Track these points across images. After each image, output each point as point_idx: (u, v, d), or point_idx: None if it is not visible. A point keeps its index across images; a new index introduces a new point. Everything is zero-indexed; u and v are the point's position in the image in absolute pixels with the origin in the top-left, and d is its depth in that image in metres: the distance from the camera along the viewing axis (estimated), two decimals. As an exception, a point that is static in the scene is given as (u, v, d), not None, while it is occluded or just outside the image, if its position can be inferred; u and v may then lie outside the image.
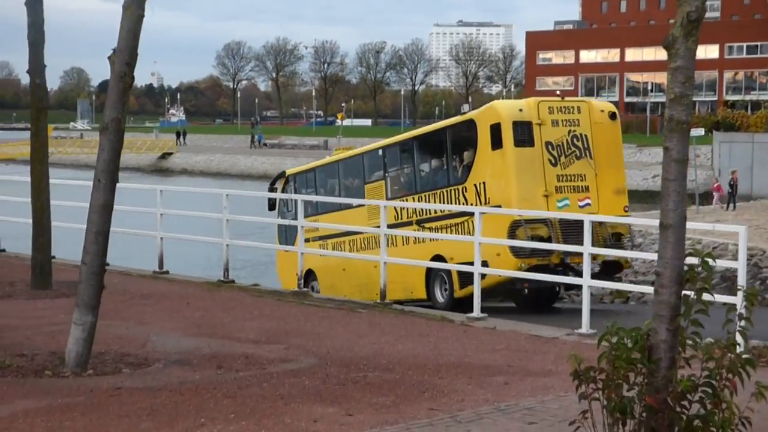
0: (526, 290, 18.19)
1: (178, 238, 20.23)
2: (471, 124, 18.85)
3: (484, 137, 18.32)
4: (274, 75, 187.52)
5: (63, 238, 29.40)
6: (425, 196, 19.56)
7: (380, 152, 21.61)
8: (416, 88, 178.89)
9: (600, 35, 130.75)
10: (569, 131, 18.33)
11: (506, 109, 18.40)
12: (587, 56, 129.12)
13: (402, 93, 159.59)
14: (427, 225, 19.13)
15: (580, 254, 14.54)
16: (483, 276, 15.65)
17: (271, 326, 13.97)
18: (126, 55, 11.05)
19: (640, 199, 61.36)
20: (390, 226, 18.12)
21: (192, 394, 9.96)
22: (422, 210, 19.22)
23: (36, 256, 17.19)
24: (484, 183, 18.19)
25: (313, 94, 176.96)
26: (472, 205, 18.08)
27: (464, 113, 20.74)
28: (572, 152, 18.27)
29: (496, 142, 18.06)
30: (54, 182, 21.88)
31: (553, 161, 18.08)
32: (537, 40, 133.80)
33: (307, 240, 20.93)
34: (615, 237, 18.02)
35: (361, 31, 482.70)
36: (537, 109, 18.24)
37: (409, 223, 19.45)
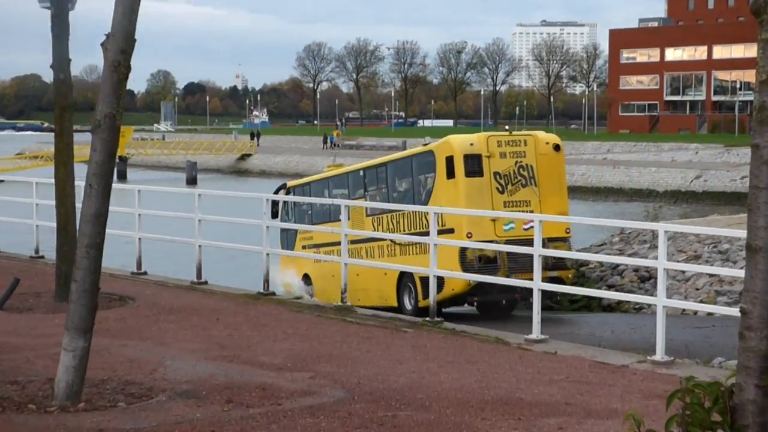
0: (475, 304, 20.77)
1: (215, 246, 18.75)
2: (430, 155, 20.95)
3: (441, 167, 20.43)
4: (354, 76, 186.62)
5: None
6: (396, 215, 21.46)
7: (361, 173, 23.71)
8: (497, 88, 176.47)
9: (686, 33, 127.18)
10: (516, 162, 20.34)
11: (459, 144, 20.40)
12: (673, 54, 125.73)
13: (482, 93, 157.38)
14: (398, 242, 20.99)
15: (524, 271, 16.92)
16: (440, 290, 16.72)
17: (302, 349, 12.41)
18: (121, 41, 9.56)
19: (727, 201, 58.75)
20: (369, 240, 21.33)
21: (183, 439, 8.44)
22: (394, 227, 21.47)
23: (60, 266, 15.89)
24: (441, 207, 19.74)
25: (392, 95, 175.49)
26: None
27: (426, 145, 22.78)
28: (518, 181, 20.31)
29: (450, 173, 20.17)
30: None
31: (500, 189, 20.14)
32: (621, 39, 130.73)
33: (303, 247, 24.44)
34: (558, 258, 19.40)
35: (445, 32, 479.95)
36: (486, 143, 20.30)
37: (383, 239, 21.49)
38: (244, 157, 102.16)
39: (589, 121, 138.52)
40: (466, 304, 20.84)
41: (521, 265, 18.76)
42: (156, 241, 19.96)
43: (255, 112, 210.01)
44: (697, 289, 24.46)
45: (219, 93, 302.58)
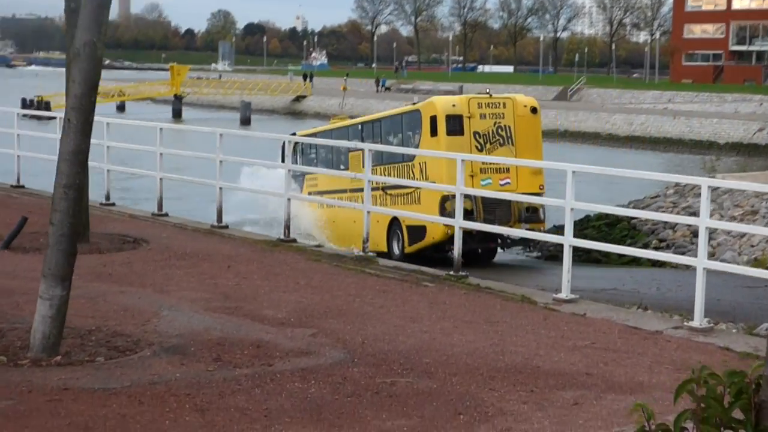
0: (450, 252, 19.83)
1: (237, 188, 17.89)
2: (417, 114, 22.48)
3: (425, 126, 21.96)
4: (413, 19, 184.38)
5: (130, 184, 27.58)
6: (388, 167, 22.73)
7: (359, 127, 25.14)
8: (558, 34, 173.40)
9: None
10: (495, 123, 21.76)
11: (442, 104, 21.97)
12: (740, 3, 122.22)
13: (541, 39, 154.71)
14: (389, 191, 22.46)
15: (500, 223, 19.69)
16: (423, 237, 20.14)
17: (311, 302, 11.55)
18: (102, -41, 8.66)
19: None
20: (357, 189, 21.13)
21: (152, 403, 7.63)
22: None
23: (70, 206, 15.13)
24: (425, 162, 21.55)
25: (450, 38, 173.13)
26: (417, 179, 21.69)
27: (414, 104, 24.06)
28: (496, 140, 21.69)
29: (433, 131, 21.72)
30: (117, 121, 19.98)
31: (479, 147, 21.50)
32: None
33: (309, 193, 25.81)
34: (532, 210, 21.56)
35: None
36: (468, 105, 21.80)
37: (377, 189, 22.07)
38: (299, 98, 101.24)
39: (651, 70, 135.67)
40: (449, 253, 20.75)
41: (497, 217, 20.77)
42: (178, 182, 19.19)
43: (314, 54, 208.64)
44: (753, 246, 23.25)
45: (278, 34, 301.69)
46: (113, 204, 19.08)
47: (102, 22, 8.79)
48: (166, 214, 17.97)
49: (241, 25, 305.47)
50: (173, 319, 10.52)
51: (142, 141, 20.16)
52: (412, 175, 21.92)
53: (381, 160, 22.53)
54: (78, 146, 8.88)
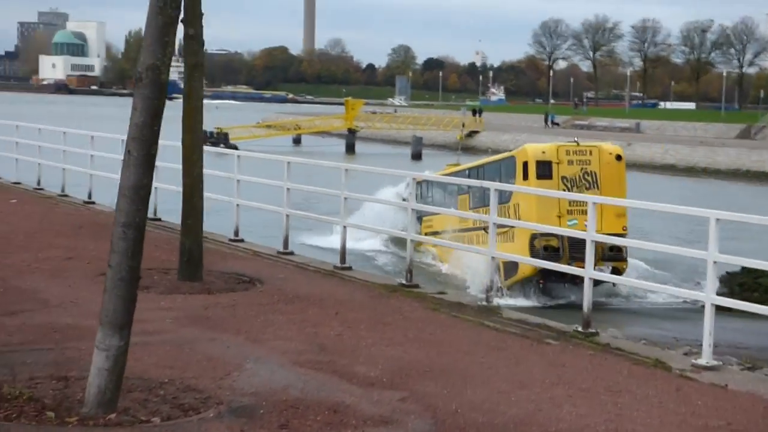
0: (540, 284, 23.24)
1: (361, 227, 16.88)
2: (512, 160, 24.19)
3: (519, 170, 23.62)
4: (591, 54, 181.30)
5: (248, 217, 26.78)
6: (488, 209, 23.42)
7: (467, 172, 27.15)
8: (744, 70, 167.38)
9: None
10: (581, 168, 23.32)
11: (533, 151, 23.53)
12: None
13: (724, 75, 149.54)
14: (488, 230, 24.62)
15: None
16: (516, 272, 21.83)
17: (413, 358, 10.42)
18: (167, -25, 7.81)
19: None
20: (467, 230, 25.03)
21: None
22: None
23: (184, 241, 14.47)
24: (518, 204, 23.11)
25: (628, 74, 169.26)
26: (511, 218, 22.32)
27: (510, 151, 25.77)
28: (582, 184, 23.22)
29: (525, 175, 23.39)
30: (245, 153, 19.32)
31: (566, 191, 22.81)
32: None
33: (425, 234, 27.57)
34: (616, 249, 22.67)
35: (691, 11, 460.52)
36: (557, 152, 23.43)
37: (480, 229, 23.98)
38: (471, 133, 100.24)
39: None
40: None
41: (582, 254, 19.40)
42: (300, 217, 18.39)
43: (492, 90, 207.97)
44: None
45: (457, 69, 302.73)
46: (242, 240, 18.40)
47: (167, 43, 7.94)
48: (292, 253, 17.15)
49: (420, 60, 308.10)
50: (255, 373, 9.56)
51: (264, 174, 19.50)
52: (507, 215, 22.93)
53: (483, 201, 24.03)
54: (139, 181, 8.03)
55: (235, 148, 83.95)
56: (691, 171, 73.29)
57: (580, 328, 12.13)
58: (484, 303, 13.58)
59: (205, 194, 19.55)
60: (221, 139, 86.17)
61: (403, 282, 14.70)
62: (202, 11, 14.19)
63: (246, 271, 15.27)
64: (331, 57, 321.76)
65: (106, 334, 8.20)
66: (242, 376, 9.47)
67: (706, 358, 10.73)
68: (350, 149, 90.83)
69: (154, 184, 20.26)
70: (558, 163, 23.25)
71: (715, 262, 10.74)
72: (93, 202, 23.19)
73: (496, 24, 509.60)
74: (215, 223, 19.38)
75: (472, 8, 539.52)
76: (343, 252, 15.97)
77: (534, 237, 22.45)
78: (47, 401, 8.48)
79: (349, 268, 15.88)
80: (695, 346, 19.06)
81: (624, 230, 22.67)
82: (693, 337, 20.76)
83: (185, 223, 14.49)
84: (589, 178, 23.24)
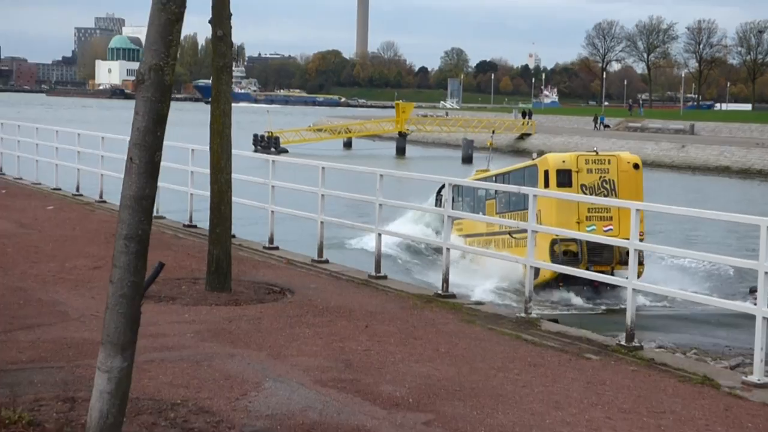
0: (561, 286, 23.85)
1: (393, 234, 16.19)
2: (534, 168, 24.90)
3: (540, 178, 24.35)
4: (645, 56, 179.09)
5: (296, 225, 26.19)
6: (512, 214, 24.29)
7: (494, 178, 27.91)
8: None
9: None
10: (600, 177, 24.24)
11: (554, 160, 24.51)
12: None
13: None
14: (514, 235, 24.63)
15: (603, 264, 22.89)
16: (537, 276, 20.08)
17: (443, 376, 9.83)
18: (171, -32, 7.29)
19: None
20: (493, 234, 26.16)
21: None
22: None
23: (212, 250, 13.98)
24: (540, 210, 22.13)
25: (682, 75, 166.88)
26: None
27: (534, 159, 26.19)
28: (601, 192, 23.98)
29: (546, 183, 24.20)
30: (283, 160, 18.88)
31: None
32: None
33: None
34: None
35: (748, 11, 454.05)
36: (576, 161, 24.31)
37: (504, 233, 25.44)
38: (523, 136, 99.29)
39: None
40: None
41: (601, 259, 23.49)
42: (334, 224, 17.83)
43: (545, 92, 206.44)
44: None
45: (510, 71, 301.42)
46: (276, 248, 17.90)
47: (171, 42, 7.40)
48: (326, 261, 16.62)
49: (473, 62, 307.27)
50: (273, 393, 9.02)
51: (306, 179, 18.98)
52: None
53: (509, 207, 25.70)
54: (141, 190, 7.52)
55: (286, 151, 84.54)
56: (746, 173, 71.89)
57: (623, 342, 11.46)
58: (523, 314, 12.92)
59: (239, 200, 19.22)
60: (272, 142, 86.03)
61: (439, 292, 14.10)
62: (231, 12, 13.70)
63: (277, 280, 14.77)
64: (384, 60, 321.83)
65: (108, 354, 7.68)
66: (260, 396, 8.94)
67: (757, 375, 10.02)
68: (401, 152, 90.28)
69: (189, 190, 20.05)
70: (578, 172, 24.16)
71: (767, 273, 10.03)
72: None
73: (550, 26, 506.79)
74: (258, 232, 18.93)
75: (526, 11, 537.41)
76: (378, 260, 15.40)
77: (554, 242, 23.33)
78: (48, 425, 8.03)
79: (384, 277, 15.31)
80: (748, 356, 18.33)
81: (641, 236, 22.32)
82: (747, 345, 19.99)
83: (213, 232, 14.01)
84: (608, 186, 24.24)
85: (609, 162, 24.42)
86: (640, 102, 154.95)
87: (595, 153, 24.88)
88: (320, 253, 16.68)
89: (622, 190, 24.07)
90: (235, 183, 16.07)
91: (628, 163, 24.55)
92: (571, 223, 23.29)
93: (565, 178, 23.99)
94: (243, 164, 20.83)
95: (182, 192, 20.95)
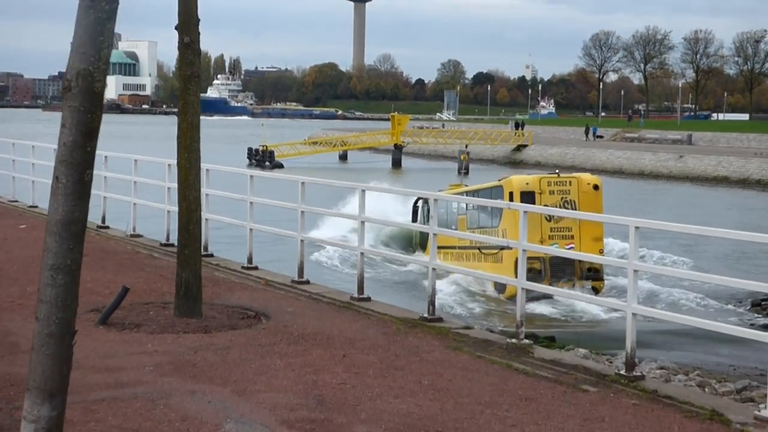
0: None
1: (376, 253, 15.22)
2: (500, 189, 26.09)
3: (506, 199, 25.11)
4: (642, 66, 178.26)
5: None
6: (482, 230, 26.13)
7: (465, 195, 28.55)
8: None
9: None
10: (561, 198, 25.44)
11: (518, 183, 25.72)
12: None
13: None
14: (483, 251, 26.02)
15: (565, 280, 24.41)
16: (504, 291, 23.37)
17: (424, 413, 8.88)
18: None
19: None
20: (464, 248, 26.70)
21: None
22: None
23: (181, 272, 13.02)
24: (505, 229, 25.22)
25: (680, 85, 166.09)
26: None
27: (500, 180, 27.34)
28: None
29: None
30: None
31: (548, 218, 24.96)
32: None
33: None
34: (594, 270, 25.24)
35: (746, 22, 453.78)
36: (539, 183, 25.52)
37: (474, 248, 26.39)
38: (519, 147, 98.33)
39: None
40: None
41: (563, 275, 24.80)
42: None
43: (542, 103, 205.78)
44: None
45: (507, 83, 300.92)
46: (255, 268, 16.95)
47: (102, 44, 6.47)
48: (307, 282, 15.66)
49: (470, 74, 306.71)
50: (232, 437, 8.07)
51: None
52: (497, 237, 24.14)
53: (477, 224, 26.93)
54: (70, 214, 6.56)
55: (281, 166, 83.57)
56: (744, 183, 71.06)
57: (622, 371, 10.51)
58: (514, 340, 11.95)
59: (216, 217, 18.26)
60: (266, 156, 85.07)
61: (425, 315, 13.14)
62: (199, 17, 12.78)
63: (253, 303, 13.81)
64: (381, 73, 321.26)
65: (34, 402, 6.71)
66: (216, 441, 7.99)
67: (770, 410, 9.09)
68: (396, 164, 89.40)
69: (167, 207, 19.08)
70: (540, 193, 25.38)
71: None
72: (107, 227, 21.91)
73: (546, 38, 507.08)
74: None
75: (522, 22, 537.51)
76: (360, 281, 14.43)
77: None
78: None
79: (368, 299, 14.35)
80: (754, 377, 17.37)
81: (601, 253, 24.76)
82: (752, 364, 19.04)
83: (182, 253, 13.04)
84: (569, 206, 25.37)
85: (570, 183, 25.85)
86: (641, 112, 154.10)
87: (557, 175, 26.26)
88: (300, 273, 15.73)
89: (582, 210, 24.92)
90: (221, 200, 15.23)
91: (588, 184, 25.96)
92: (535, 241, 23.84)
93: (528, 199, 24.85)
94: (230, 180, 20.01)
95: (161, 209, 20.02)
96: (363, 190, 14.48)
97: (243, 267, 16.96)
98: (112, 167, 22.02)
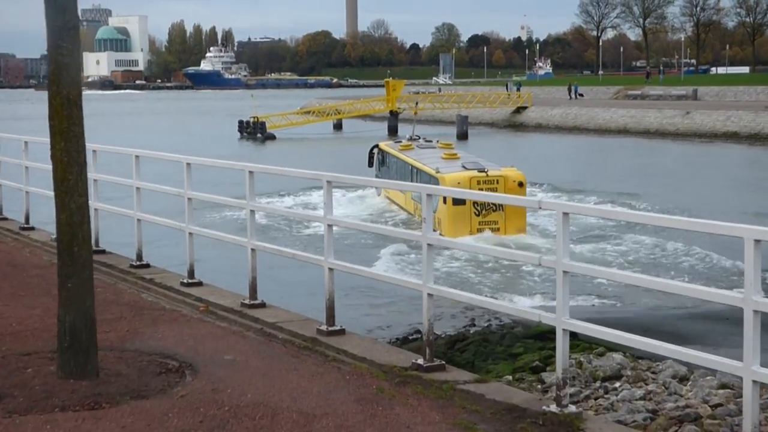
0: None
1: (349, 271, 10.96)
2: (437, 182, 28.42)
3: (441, 196, 27.10)
4: (641, 21, 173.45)
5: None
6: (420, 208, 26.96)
7: (410, 168, 32.53)
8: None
9: None
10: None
11: (451, 181, 28.17)
12: None
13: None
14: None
15: None
16: None
17: None
18: None
19: None
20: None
21: None
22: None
23: (63, 315, 9.00)
24: (439, 219, 28.42)
25: (682, 39, 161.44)
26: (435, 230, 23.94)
27: (437, 172, 29.70)
28: (491, 208, 28.58)
29: (444, 200, 28.14)
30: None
31: (477, 213, 28.47)
32: None
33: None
34: None
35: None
36: (469, 182, 28.35)
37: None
38: (519, 110, 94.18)
39: None
40: None
41: None
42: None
43: (538, 64, 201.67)
44: None
45: (502, 44, 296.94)
46: (199, 283, 12.96)
47: None
48: (262, 304, 11.65)
49: (465, 37, 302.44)
50: None
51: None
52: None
53: (420, 199, 31.52)
54: None
55: (273, 137, 79.52)
56: (755, 138, 67.29)
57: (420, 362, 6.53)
58: (554, 409, 7.93)
59: (150, 217, 14.31)
60: (257, 128, 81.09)
61: (420, 363, 9.12)
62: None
63: (179, 347, 9.84)
64: (375, 39, 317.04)
65: None
66: None
67: None
68: (393, 132, 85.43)
69: (93, 204, 14.96)
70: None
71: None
72: (31, 228, 17.92)
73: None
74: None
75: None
76: (330, 307, 10.39)
77: None
78: None
79: (341, 332, 10.33)
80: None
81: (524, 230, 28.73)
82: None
83: (63, 288, 8.97)
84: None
85: (497, 182, 28.75)
86: (661, 68, 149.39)
87: (485, 174, 28.85)
88: (253, 293, 11.72)
89: (507, 205, 27.09)
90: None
91: (514, 181, 28.83)
92: (465, 234, 27.27)
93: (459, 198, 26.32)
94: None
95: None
96: (328, 181, 10.47)
97: (182, 283, 12.97)
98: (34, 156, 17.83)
